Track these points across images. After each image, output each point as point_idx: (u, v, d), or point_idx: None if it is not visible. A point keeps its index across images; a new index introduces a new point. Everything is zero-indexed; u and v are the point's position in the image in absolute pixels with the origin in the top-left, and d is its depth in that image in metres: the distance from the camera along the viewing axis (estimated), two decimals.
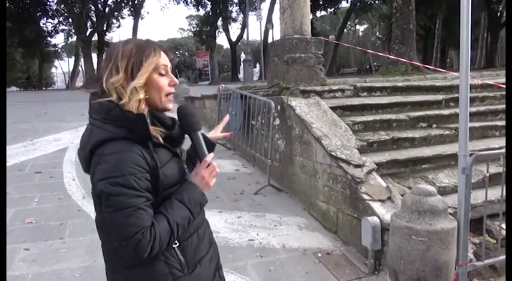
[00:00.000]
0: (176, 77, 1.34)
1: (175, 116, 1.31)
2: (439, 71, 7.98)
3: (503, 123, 5.04)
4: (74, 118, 9.24)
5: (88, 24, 29.13)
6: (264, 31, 21.95)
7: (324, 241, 3.59)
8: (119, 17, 32.97)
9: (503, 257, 2.94)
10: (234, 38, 33.44)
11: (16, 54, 32.57)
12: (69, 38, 34.76)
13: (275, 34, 20.85)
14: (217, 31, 31.99)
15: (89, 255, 3.19)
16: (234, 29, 56.69)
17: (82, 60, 31.05)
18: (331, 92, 5.28)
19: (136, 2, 31.33)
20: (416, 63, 9.41)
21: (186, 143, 1.36)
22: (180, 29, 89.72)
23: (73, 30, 30.13)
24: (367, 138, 4.28)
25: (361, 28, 50.80)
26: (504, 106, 5.51)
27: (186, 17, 47.28)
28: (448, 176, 3.97)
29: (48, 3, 29.72)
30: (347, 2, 30.35)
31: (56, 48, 37.95)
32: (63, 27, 32.13)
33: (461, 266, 2.69)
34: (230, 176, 5.25)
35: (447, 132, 4.66)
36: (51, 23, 31.54)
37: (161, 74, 1.22)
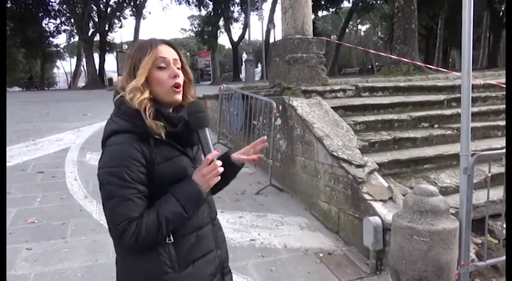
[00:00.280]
0: None
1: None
2: (441, 71, 7.96)
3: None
4: (76, 118, 9.28)
5: (90, 25, 29.21)
6: (266, 31, 21.98)
7: (326, 241, 3.59)
8: (121, 17, 33.00)
9: (505, 257, 2.93)
10: (235, 38, 33.47)
11: (18, 55, 32.65)
12: (71, 38, 34.91)
13: (277, 34, 20.95)
14: (219, 31, 32.02)
15: (91, 255, 3.20)
16: (236, 29, 56.86)
17: (84, 60, 31.12)
18: (333, 92, 5.28)
19: (138, 2, 31.40)
20: (418, 63, 9.39)
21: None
22: (181, 29, 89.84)
23: (75, 31, 30.18)
24: (368, 139, 4.27)
25: (363, 28, 50.79)
26: None
27: (188, 17, 47.32)
28: (450, 176, 3.96)
29: (50, 3, 29.81)
30: (349, 2, 30.33)
31: (58, 49, 38.06)
32: (65, 27, 32.22)
33: (463, 267, 2.68)
34: None
35: (449, 132, 4.65)
36: (53, 23, 31.63)
37: (160, 68, 1.24)
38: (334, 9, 31.46)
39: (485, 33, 27.77)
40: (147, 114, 1.19)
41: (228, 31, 32.74)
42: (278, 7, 23.82)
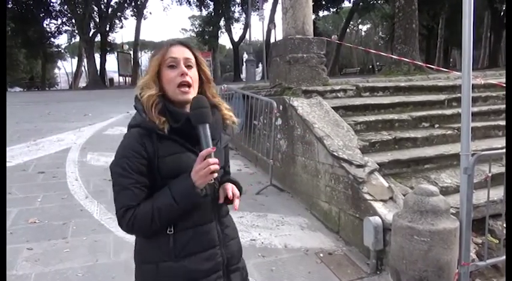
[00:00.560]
0: None
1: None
2: (441, 71, 7.96)
3: None
4: (77, 118, 9.28)
5: (91, 25, 29.22)
6: (267, 31, 21.97)
7: (326, 241, 3.59)
8: (122, 18, 33.02)
9: (505, 257, 2.93)
10: (236, 38, 33.46)
11: (19, 55, 32.67)
12: (72, 38, 34.93)
13: (277, 34, 20.87)
14: (219, 31, 32.01)
15: (92, 255, 3.21)
16: (237, 29, 56.78)
17: (85, 60, 31.07)
18: (334, 92, 5.28)
19: (139, 2, 31.43)
20: (419, 63, 9.38)
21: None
22: (182, 29, 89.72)
23: (76, 31, 30.20)
24: (369, 139, 4.27)
25: (363, 28, 50.73)
26: None
27: (189, 18, 47.26)
28: (450, 176, 3.96)
29: (51, 4, 29.83)
30: (349, 2, 30.25)
31: (59, 49, 38.07)
32: (66, 27, 32.23)
33: (463, 266, 2.68)
34: (232, 176, 5.25)
35: (449, 132, 4.65)
36: (54, 24, 31.63)
37: (171, 67, 1.30)
38: (335, 9, 31.40)
39: (486, 33, 27.72)
40: (153, 110, 1.26)
41: (229, 31, 32.75)
42: (279, 7, 23.81)
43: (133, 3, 31.50)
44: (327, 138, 3.94)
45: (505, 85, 5.34)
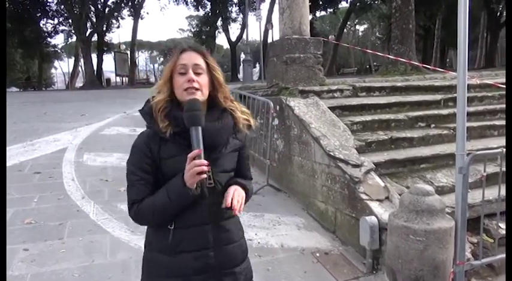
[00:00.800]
0: None
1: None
2: (438, 71, 7.98)
3: (502, 122, 5.06)
4: (74, 119, 9.24)
5: (88, 25, 29.07)
6: (264, 31, 21.94)
7: (322, 241, 3.60)
8: (119, 18, 32.89)
9: (500, 256, 2.95)
10: (233, 38, 33.45)
11: (16, 55, 32.51)
12: (69, 38, 34.72)
13: (275, 34, 20.84)
14: (217, 31, 31.99)
15: (88, 255, 3.20)
16: (234, 29, 56.82)
17: (82, 60, 30.97)
18: (330, 92, 5.29)
19: (136, 2, 31.33)
20: (416, 63, 9.41)
21: None
22: (179, 29, 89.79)
23: (73, 31, 30.05)
24: (365, 138, 4.29)
25: (361, 28, 50.79)
26: (503, 106, 5.53)
27: (186, 17, 47.34)
28: (446, 176, 3.98)
29: (48, 3, 29.69)
30: (347, 2, 30.31)
31: (56, 49, 37.87)
32: (63, 27, 32.06)
33: (458, 266, 2.70)
34: None
35: (445, 132, 4.66)
36: (51, 24, 31.46)
37: (181, 74, 1.37)
38: (332, 10, 31.43)
39: (482, 33, 27.83)
40: (160, 114, 1.35)
41: (226, 31, 32.71)
42: (276, 7, 23.81)
43: (130, 3, 31.40)
44: (324, 139, 3.95)
45: (500, 85, 5.37)
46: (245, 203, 1.46)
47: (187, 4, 32.14)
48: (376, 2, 28.79)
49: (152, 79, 45.55)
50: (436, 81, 6.55)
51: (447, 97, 5.52)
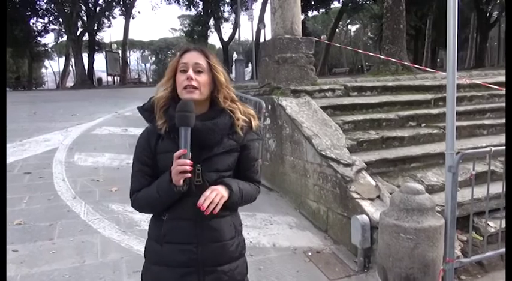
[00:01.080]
0: None
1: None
2: (428, 71, 8.05)
3: (491, 122, 5.13)
4: (64, 119, 9.16)
5: (78, 24, 28.81)
6: (256, 31, 21.96)
7: (314, 240, 3.61)
8: (110, 17, 32.62)
9: (489, 253, 3.00)
10: (226, 38, 33.35)
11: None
12: (60, 37, 34.38)
13: (267, 34, 20.85)
14: (209, 31, 31.89)
15: (78, 256, 3.18)
16: (226, 29, 56.50)
17: (72, 60, 30.62)
18: (322, 91, 5.31)
19: (127, 1, 31.12)
20: (407, 63, 9.47)
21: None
22: (171, 28, 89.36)
23: (63, 30, 29.78)
24: (357, 138, 4.31)
25: (352, 28, 51.04)
26: (492, 105, 5.60)
27: (178, 17, 47.01)
28: (436, 175, 4.02)
29: (38, 2, 29.36)
30: (338, 2, 30.40)
31: (46, 48, 37.50)
32: (54, 26, 31.72)
33: (448, 263, 2.73)
34: None
35: (436, 131, 4.71)
36: (41, 23, 31.11)
37: (182, 72, 1.42)
38: (324, 10, 31.53)
39: (472, 34, 28.13)
40: (159, 111, 1.41)
41: (218, 31, 32.62)
42: (268, 7, 23.81)
43: (121, 2, 31.17)
44: (315, 138, 3.96)
45: (490, 85, 5.44)
46: (245, 205, 1.56)
47: (179, 3, 31.99)
48: (368, 2, 28.95)
49: (144, 79, 45.35)
50: (426, 81, 6.61)
51: (437, 97, 5.56)
